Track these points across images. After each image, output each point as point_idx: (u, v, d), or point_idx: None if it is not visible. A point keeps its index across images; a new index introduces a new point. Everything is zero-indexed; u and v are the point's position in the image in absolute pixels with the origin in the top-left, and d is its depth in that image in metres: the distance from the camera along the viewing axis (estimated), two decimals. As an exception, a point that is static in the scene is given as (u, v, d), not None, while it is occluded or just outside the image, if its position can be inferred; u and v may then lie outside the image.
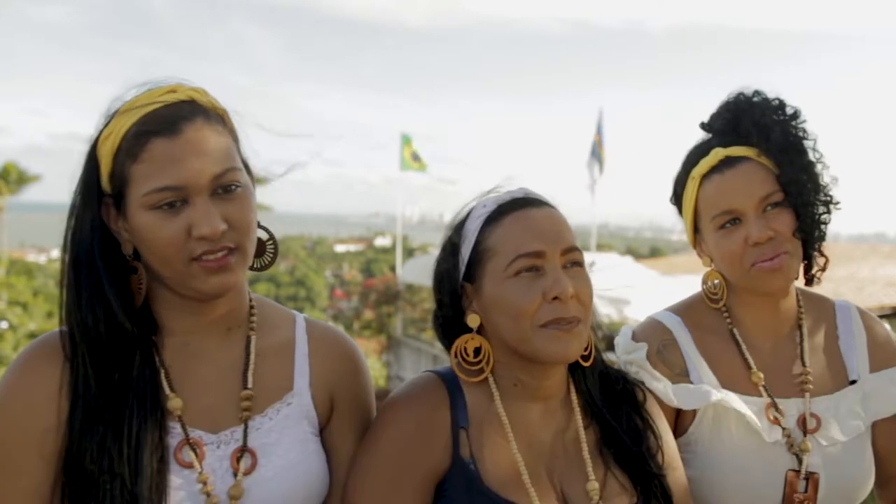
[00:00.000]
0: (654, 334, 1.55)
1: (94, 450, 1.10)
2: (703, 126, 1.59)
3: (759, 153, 1.48)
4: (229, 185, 1.15)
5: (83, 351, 1.13)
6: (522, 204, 1.28)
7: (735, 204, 1.45)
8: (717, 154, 1.49)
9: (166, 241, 1.11)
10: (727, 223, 1.47)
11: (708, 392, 1.45)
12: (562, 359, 1.23)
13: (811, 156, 1.48)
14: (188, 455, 1.15)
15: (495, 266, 1.24)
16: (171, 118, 1.13)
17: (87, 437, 1.10)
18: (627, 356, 1.53)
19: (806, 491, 1.42)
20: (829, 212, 1.49)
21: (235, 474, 1.17)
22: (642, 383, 1.46)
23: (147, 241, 1.13)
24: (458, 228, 1.33)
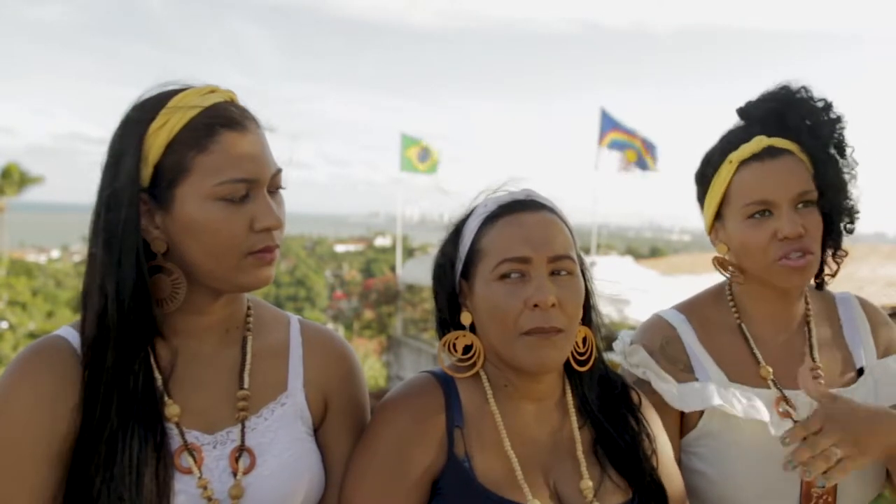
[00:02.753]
0: (656, 331, 1.55)
1: (92, 458, 1.09)
2: (741, 112, 1.56)
3: (801, 149, 1.46)
4: (279, 186, 1.20)
5: (113, 352, 1.12)
6: (519, 207, 1.28)
7: (771, 195, 1.43)
8: (761, 142, 1.46)
9: (230, 232, 1.13)
10: (758, 213, 1.45)
11: (711, 394, 1.45)
12: (539, 368, 1.23)
13: (847, 163, 1.48)
14: (187, 460, 1.15)
15: (484, 268, 1.25)
16: (236, 114, 1.16)
17: (86, 443, 1.10)
18: (631, 359, 1.52)
19: (824, 486, 1.41)
20: (852, 220, 1.49)
21: (234, 474, 1.17)
22: (645, 385, 1.46)
23: (205, 233, 1.12)
24: (460, 226, 1.33)
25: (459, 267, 1.30)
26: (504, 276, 1.22)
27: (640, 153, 15.61)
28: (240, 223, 1.13)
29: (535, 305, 1.20)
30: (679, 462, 1.48)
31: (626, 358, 1.53)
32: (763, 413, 1.44)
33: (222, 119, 1.14)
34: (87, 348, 1.13)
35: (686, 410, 1.46)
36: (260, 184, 1.15)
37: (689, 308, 1.59)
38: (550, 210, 1.29)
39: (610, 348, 1.50)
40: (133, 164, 1.13)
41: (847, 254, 1.54)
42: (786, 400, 1.46)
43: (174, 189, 1.12)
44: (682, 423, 1.50)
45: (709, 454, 1.46)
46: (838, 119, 1.48)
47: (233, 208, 1.13)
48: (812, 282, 1.56)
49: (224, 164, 1.12)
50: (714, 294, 1.60)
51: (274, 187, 1.19)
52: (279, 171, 1.19)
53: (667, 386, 1.47)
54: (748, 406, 1.45)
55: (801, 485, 1.41)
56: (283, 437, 1.23)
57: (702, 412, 1.47)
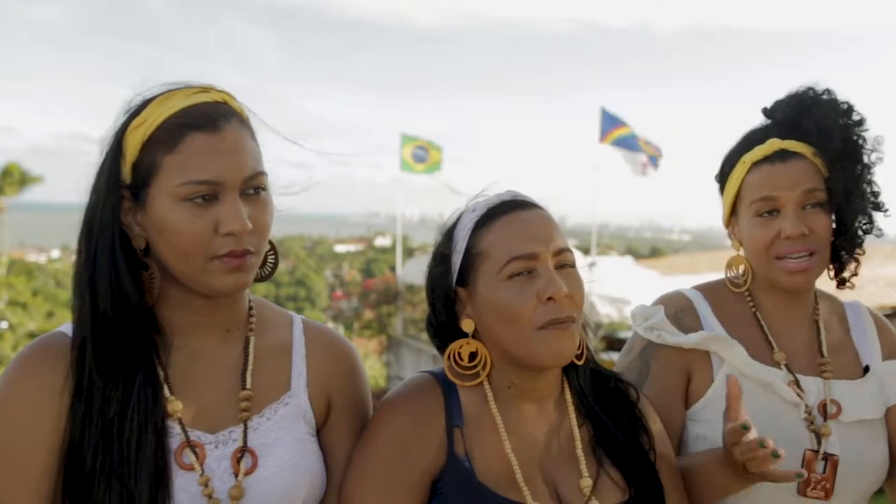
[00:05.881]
0: (672, 301, 1.60)
1: (93, 452, 1.10)
2: (765, 111, 1.61)
3: (815, 153, 1.50)
4: (256, 188, 1.17)
5: (91, 347, 1.13)
6: (512, 206, 1.28)
7: (777, 194, 1.48)
8: (773, 144, 1.51)
9: (193, 234, 1.11)
10: (765, 212, 1.49)
11: (730, 344, 1.49)
12: (558, 360, 1.24)
13: (866, 163, 1.50)
14: (189, 457, 1.15)
15: (488, 270, 1.24)
16: (211, 115, 1.14)
17: (87, 438, 1.11)
18: (646, 322, 1.55)
19: (824, 472, 1.44)
20: (871, 221, 1.52)
21: (236, 475, 1.17)
22: (656, 348, 1.51)
23: (171, 233, 1.12)
24: (449, 234, 1.33)
25: (454, 275, 1.30)
26: (513, 276, 1.22)
27: (648, 147, 15.47)
28: (204, 226, 1.11)
29: (550, 298, 1.20)
30: (683, 431, 1.52)
31: (643, 322, 1.56)
32: (780, 386, 1.47)
33: (194, 119, 1.13)
34: (75, 340, 1.15)
35: (699, 342, 1.49)
36: (228, 186, 1.12)
37: (706, 288, 1.64)
38: (540, 207, 1.31)
39: (609, 348, 1.51)
40: (112, 160, 1.15)
41: (862, 253, 1.56)
42: (797, 384, 1.50)
43: (147, 188, 1.13)
44: (690, 394, 1.53)
45: (715, 417, 1.47)
46: (859, 122, 1.51)
47: (197, 210, 1.11)
48: (833, 280, 1.60)
49: (189, 164, 1.11)
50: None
51: (253, 188, 1.16)
52: (258, 173, 1.17)
53: (681, 339, 1.50)
54: (764, 374, 1.48)
55: (802, 466, 1.44)
56: (285, 437, 1.23)
57: (711, 381, 1.50)
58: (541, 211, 1.30)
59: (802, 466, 1.43)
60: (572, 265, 1.27)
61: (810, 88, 1.54)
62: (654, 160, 15.53)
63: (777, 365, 1.52)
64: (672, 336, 1.52)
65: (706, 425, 1.50)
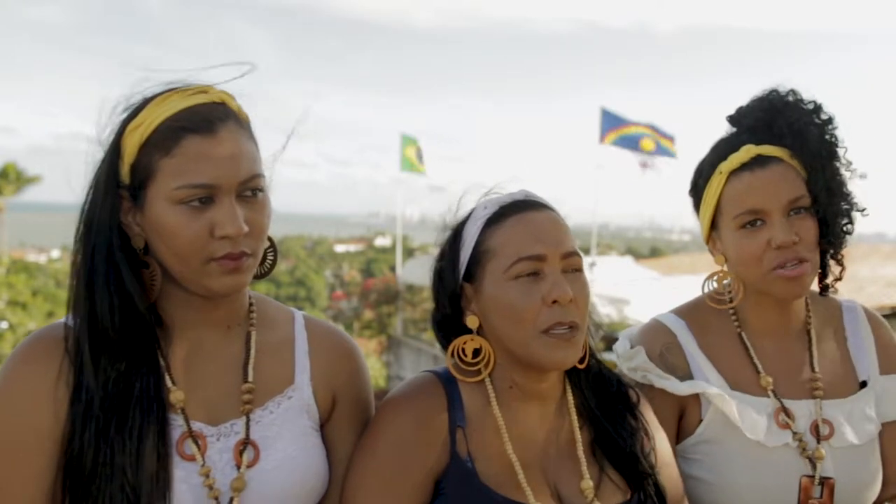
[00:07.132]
0: (656, 337, 1.53)
1: (95, 442, 1.10)
2: (731, 120, 1.55)
3: (792, 155, 1.44)
4: (253, 190, 1.16)
5: (90, 343, 1.13)
6: (524, 206, 1.28)
7: (762, 204, 1.42)
8: (749, 151, 1.44)
9: (189, 237, 1.12)
10: (750, 223, 1.43)
11: (712, 389, 1.45)
12: (560, 366, 1.24)
13: (841, 163, 1.46)
14: (190, 447, 1.15)
15: (495, 268, 1.24)
16: (208, 117, 1.14)
17: (88, 429, 1.11)
18: (630, 363, 1.51)
19: (821, 496, 1.41)
20: (851, 221, 1.47)
21: (238, 467, 1.17)
22: (644, 389, 1.46)
23: (167, 235, 1.13)
24: (459, 229, 1.33)
25: (462, 271, 1.30)
26: (519, 276, 1.22)
27: (657, 141, 15.33)
28: (199, 229, 1.12)
29: (554, 301, 1.20)
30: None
31: (626, 362, 1.52)
32: (760, 428, 1.43)
33: (191, 122, 1.12)
34: (75, 334, 1.15)
35: (688, 393, 1.45)
36: (223, 189, 1.12)
37: (689, 313, 1.58)
38: (552, 209, 1.30)
39: (609, 348, 1.49)
40: (110, 160, 1.15)
41: (843, 256, 1.51)
42: (785, 411, 1.46)
43: (145, 190, 1.13)
44: (681, 429, 1.50)
45: (707, 461, 1.46)
46: (829, 121, 1.46)
47: (193, 213, 1.12)
48: (816, 287, 1.54)
49: (185, 168, 1.11)
50: None
51: (249, 190, 1.16)
52: (255, 175, 1.16)
53: (668, 382, 1.47)
54: (747, 417, 1.43)
55: (799, 493, 1.41)
56: (288, 430, 1.23)
57: (700, 419, 1.47)
58: (552, 213, 1.29)
59: (799, 494, 1.41)
60: (580, 269, 1.26)
61: (774, 90, 1.49)
62: (663, 149, 15.30)
63: (764, 391, 1.48)
64: (659, 379, 1.47)
65: (697, 465, 1.47)
